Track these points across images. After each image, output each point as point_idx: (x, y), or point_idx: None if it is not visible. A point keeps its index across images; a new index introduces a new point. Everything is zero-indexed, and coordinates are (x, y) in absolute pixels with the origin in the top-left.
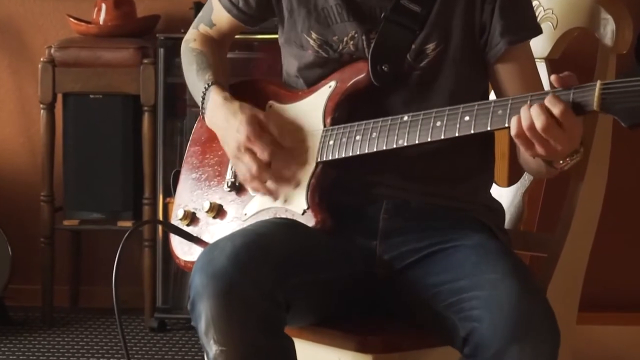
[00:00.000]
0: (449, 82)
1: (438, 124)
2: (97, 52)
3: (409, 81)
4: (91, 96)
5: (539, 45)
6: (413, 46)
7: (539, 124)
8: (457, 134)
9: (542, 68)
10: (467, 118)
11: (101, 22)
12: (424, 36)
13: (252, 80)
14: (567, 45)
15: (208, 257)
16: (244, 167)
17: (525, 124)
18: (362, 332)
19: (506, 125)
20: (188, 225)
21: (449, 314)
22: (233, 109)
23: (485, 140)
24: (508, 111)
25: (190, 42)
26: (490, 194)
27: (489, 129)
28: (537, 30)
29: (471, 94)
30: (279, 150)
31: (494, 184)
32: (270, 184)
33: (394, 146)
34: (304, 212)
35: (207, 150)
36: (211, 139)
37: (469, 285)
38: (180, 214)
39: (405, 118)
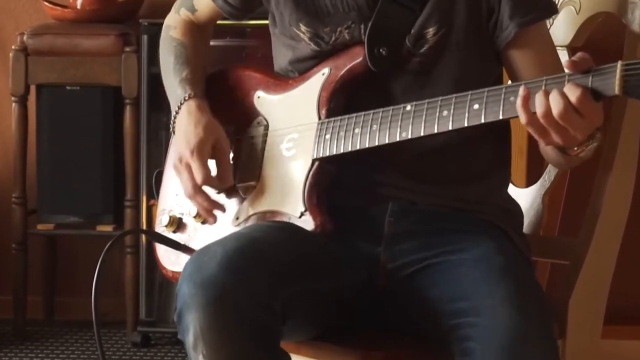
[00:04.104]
0: (453, 69)
1: (445, 113)
2: (74, 39)
3: (408, 69)
4: (68, 88)
5: (560, 32)
6: (412, 30)
7: (556, 110)
8: (466, 124)
9: (563, 57)
10: (476, 106)
11: (79, 7)
12: (423, 19)
13: (236, 67)
14: (591, 31)
15: (197, 264)
16: (182, 182)
17: (540, 110)
18: (364, 346)
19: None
20: (174, 232)
21: (447, 341)
22: (198, 119)
23: (500, 135)
24: None
25: (171, 30)
26: (506, 195)
27: (500, 117)
28: (551, 10)
29: (480, 82)
30: (212, 182)
31: (511, 185)
32: (207, 205)
33: (397, 139)
34: (302, 214)
35: None
36: None
37: (467, 308)
38: (165, 220)
39: (409, 108)
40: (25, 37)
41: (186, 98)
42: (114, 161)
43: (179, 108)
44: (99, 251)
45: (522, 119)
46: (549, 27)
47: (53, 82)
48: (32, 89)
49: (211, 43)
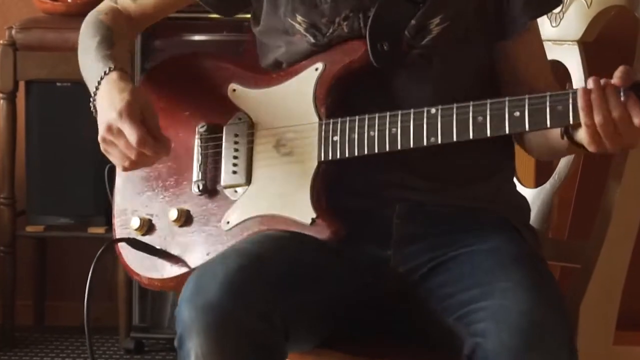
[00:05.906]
0: (452, 63)
1: (480, 119)
2: (64, 33)
3: (408, 62)
4: (58, 84)
5: (572, 27)
6: (413, 21)
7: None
8: (507, 132)
9: (575, 52)
10: (517, 114)
11: (69, 0)
12: (427, 10)
13: (203, 55)
14: (603, 26)
15: (197, 285)
16: (117, 153)
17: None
18: (369, 354)
19: (571, 122)
20: (144, 235)
21: (457, 329)
22: (123, 87)
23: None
24: (570, 106)
25: (101, 14)
26: (513, 187)
27: (548, 126)
28: (558, 1)
29: (479, 78)
30: (149, 143)
31: (519, 185)
32: (155, 151)
33: (424, 144)
34: (313, 221)
35: None
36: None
37: (479, 294)
38: (136, 223)
39: (433, 111)
40: (13, 32)
41: (107, 71)
42: (106, 161)
43: (99, 84)
44: (91, 254)
45: (586, 119)
46: (559, 22)
47: (43, 78)
48: (21, 85)
49: (207, 37)
